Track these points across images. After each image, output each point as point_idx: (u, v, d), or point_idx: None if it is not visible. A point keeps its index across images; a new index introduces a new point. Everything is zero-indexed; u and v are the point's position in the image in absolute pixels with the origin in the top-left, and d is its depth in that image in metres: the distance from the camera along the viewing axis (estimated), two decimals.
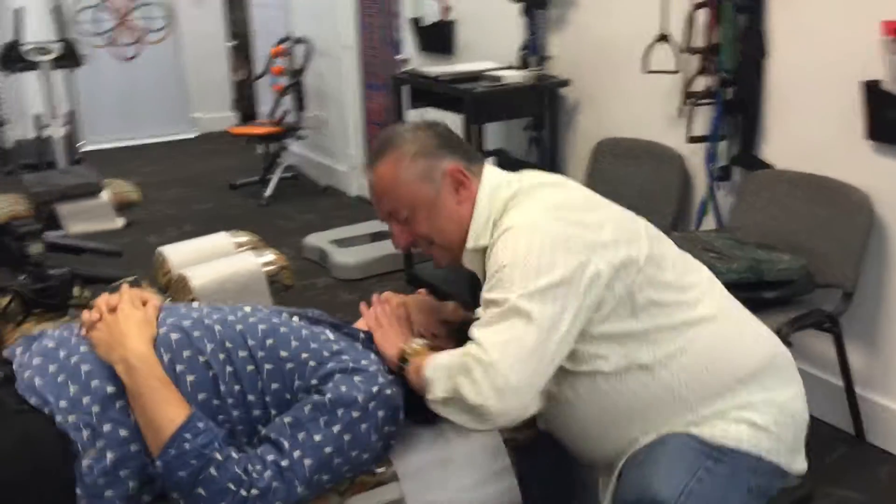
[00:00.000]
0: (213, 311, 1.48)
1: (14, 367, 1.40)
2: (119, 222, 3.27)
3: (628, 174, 3.10)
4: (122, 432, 1.30)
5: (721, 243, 2.44)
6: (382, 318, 1.58)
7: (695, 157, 2.91)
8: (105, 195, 3.24)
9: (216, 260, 2.37)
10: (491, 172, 1.55)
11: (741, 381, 1.46)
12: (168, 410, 1.29)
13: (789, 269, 2.31)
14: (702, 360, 1.44)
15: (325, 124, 5.46)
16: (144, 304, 1.47)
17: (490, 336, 1.32)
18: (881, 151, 2.36)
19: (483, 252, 1.48)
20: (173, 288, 2.28)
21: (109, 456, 1.29)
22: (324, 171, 5.66)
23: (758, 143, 2.71)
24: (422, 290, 1.73)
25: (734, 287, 2.31)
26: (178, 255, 2.40)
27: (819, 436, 2.62)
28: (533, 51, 3.50)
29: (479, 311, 1.40)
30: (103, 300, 1.46)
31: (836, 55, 2.43)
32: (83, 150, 6.06)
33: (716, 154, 2.79)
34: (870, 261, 2.42)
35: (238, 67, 7.44)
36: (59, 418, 1.29)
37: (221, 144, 6.93)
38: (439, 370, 1.37)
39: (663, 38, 2.85)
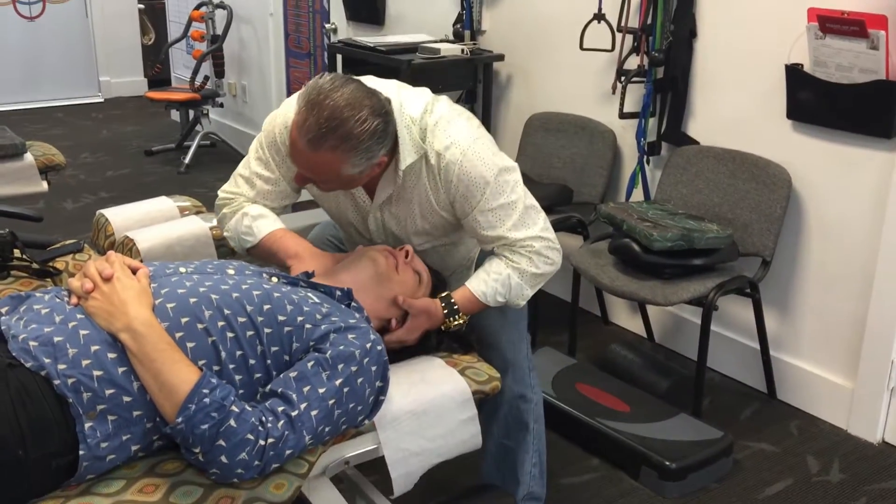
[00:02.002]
0: (203, 279, 1.47)
1: (2, 328, 1.36)
2: (44, 185, 3.16)
3: (559, 147, 3.22)
4: (126, 398, 1.30)
5: (654, 213, 2.58)
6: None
7: (626, 133, 3.05)
8: (29, 157, 3.12)
9: (162, 223, 2.35)
10: (397, 111, 1.66)
11: None
12: (181, 370, 1.30)
13: (717, 238, 2.47)
14: None
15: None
16: (134, 271, 1.45)
17: (534, 227, 1.73)
18: (800, 130, 2.55)
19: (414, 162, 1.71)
20: (117, 251, 2.24)
21: (111, 419, 1.29)
22: (245, 139, 5.57)
23: (685, 120, 2.87)
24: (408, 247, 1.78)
25: (667, 254, 2.49)
26: (121, 218, 2.36)
27: (735, 394, 2.82)
28: (467, 25, 3.56)
29: (485, 216, 1.70)
30: (94, 268, 1.42)
31: (763, 38, 2.59)
32: None
33: (646, 130, 2.93)
34: (787, 231, 2.62)
35: (148, 31, 7.20)
36: (57, 382, 1.26)
37: (130, 109, 6.71)
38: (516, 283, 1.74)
39: (598, 17, 2.97)
